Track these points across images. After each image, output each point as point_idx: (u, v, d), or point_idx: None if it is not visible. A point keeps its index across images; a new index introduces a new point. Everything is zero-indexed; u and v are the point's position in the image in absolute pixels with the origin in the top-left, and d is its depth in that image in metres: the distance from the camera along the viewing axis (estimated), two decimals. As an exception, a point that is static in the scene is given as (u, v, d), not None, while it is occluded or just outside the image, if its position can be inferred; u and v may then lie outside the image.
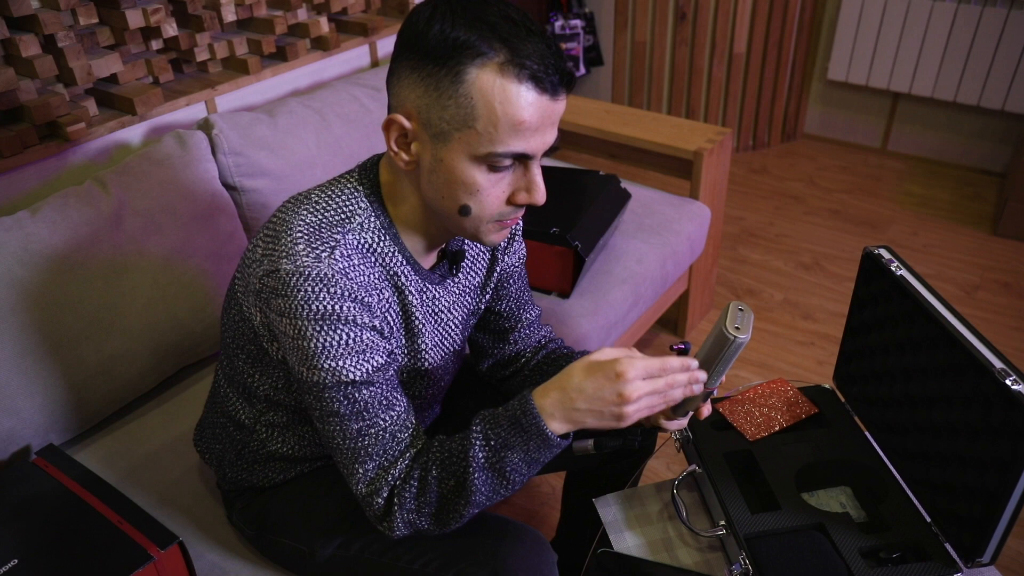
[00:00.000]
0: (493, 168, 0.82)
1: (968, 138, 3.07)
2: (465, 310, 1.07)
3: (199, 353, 1.43)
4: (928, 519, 0.99)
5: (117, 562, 0.97)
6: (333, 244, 0.85)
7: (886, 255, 1.04)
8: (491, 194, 0.84)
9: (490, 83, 0.77)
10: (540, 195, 0.86)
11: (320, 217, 0.87)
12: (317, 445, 1.05)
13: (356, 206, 0.89)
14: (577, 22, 3.16)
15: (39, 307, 1.19)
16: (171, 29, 1.60)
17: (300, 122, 1.60)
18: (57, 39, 1.41)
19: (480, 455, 0.86)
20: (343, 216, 0.88)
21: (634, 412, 0.82)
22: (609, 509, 1.10)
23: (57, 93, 1.43)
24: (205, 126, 1.50)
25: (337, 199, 0.89)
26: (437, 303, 1.00)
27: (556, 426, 0.85)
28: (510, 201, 0.86)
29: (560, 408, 0.84)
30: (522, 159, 0.84)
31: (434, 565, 0.96)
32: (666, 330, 2.30)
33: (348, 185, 0.91)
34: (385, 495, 0.88)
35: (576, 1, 3.20)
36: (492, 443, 0.86)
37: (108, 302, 1.26)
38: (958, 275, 2.51)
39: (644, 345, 2.25)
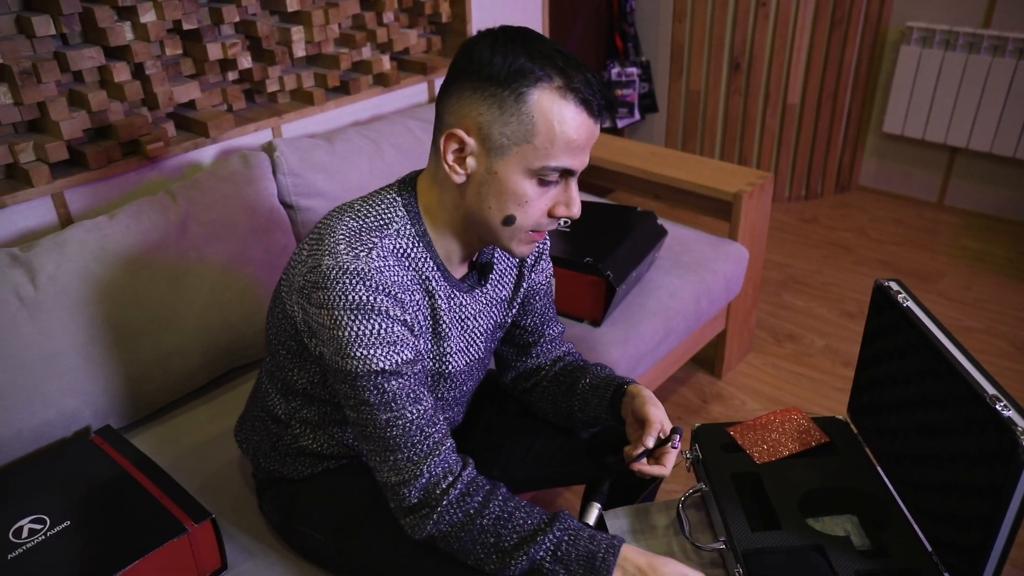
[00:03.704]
0: (542, 182, 0.93)
1: (1027, 195, 3.03)
2: (491, 321, 1.14)
3: (247, 356, 1.54)
4: (929, 548, 1.00)
5: (155, 532, 1.06)
6: (371, 245, 0.93)
7: (895, 287, 1.07)
8: (536, 206, 0.94)
9: (549, 104, 0.89)
10: (577, 208, 0.96)
11: (361, 223, 0.96)
12: (344, 445, 1.13)
13: (394, 214, 0.98)
14: (633, 70, 3.26)
15: (109, 301, 1.31)
16: (246, 62, 1.75)
17: (356, 149, 1.72)
18: (145, 67, 1.57)
19: (540, 553, 0.93)
20: (382, 222, 0.97)
21: None
22: (617, 521, 1.14)
23: (141, 115, 1.58)
24: (268, 148, 1.63)
25: (377, 207, 0.99)
26: (464, 310, 1.08)
27: None
28: (550, 214, 0.96)
29: (638, 573, 0.92)
30: (565, 175, 0.94)
31: (431, 561, 1.01)
32: (703, 369, 2.32)
33: (388, 196, 1.00)
34: (417, 493, 0.94)
35: (633, 49, 3.31)
36: (559, 554, 0.93)
37: (169, 302, 1.38)
38: (1010, 331, 2.46)
39: (679, 383, 2.28)
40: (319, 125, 1.93)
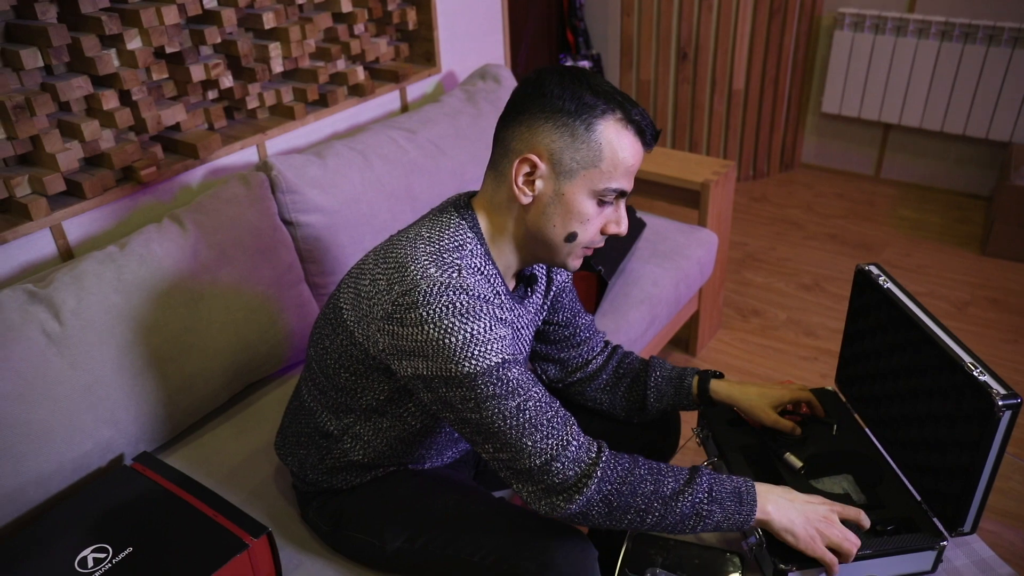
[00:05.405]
0: (601, 202, 1.05)
1: (956, 165, 3.26)
2: (534, 327, 1.25)
3: (263, 372, 1.59)
4: (919, 498, 1.14)
5: (217, 550, 1.11)
6: (459, 266, 1.00)
7: (875, 271, 1.20)
8: (594, 224, 1.06)
9: (614, 133, 1.01)
10: (625, 226, 1.10)
11: (437, 246, 1.03)
12: (390, 458, 1.19)
13: (464, 236, 1.06)
14: (585, 63, 3.36)
15: (132, 330, 1.35)
16: (227, 81, 1.78)
17: (346, 163, 1.77)
18: (132, 93, 1.58)
19: (699, 495, 1.01)
20: (457, 244, 1.04)
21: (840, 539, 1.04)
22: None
23: (131, 141, 1.60)
24: (264, 168, 1.67)
25: (447, 231, 1.05)
26: (519, 320, 1.18)
27: (771, 509, 1.03)
28: (602, 231, 1.08)
29: (780, 497, 1.05)
30: (619, 196, 1.06)
31: (491, 558, 1.07)
32: (678, 349, 2.46)
33: (452, 219, 1.07)
34: (571, 464, 0.97)
35: (584, 43, 3.41)
36: (712, 494, 1.02)
37: (189, 326, 1.42)
38: (950, 293, 2.67)
39: (657, 363, 2.41)
40: (301, 139, 1.97)
